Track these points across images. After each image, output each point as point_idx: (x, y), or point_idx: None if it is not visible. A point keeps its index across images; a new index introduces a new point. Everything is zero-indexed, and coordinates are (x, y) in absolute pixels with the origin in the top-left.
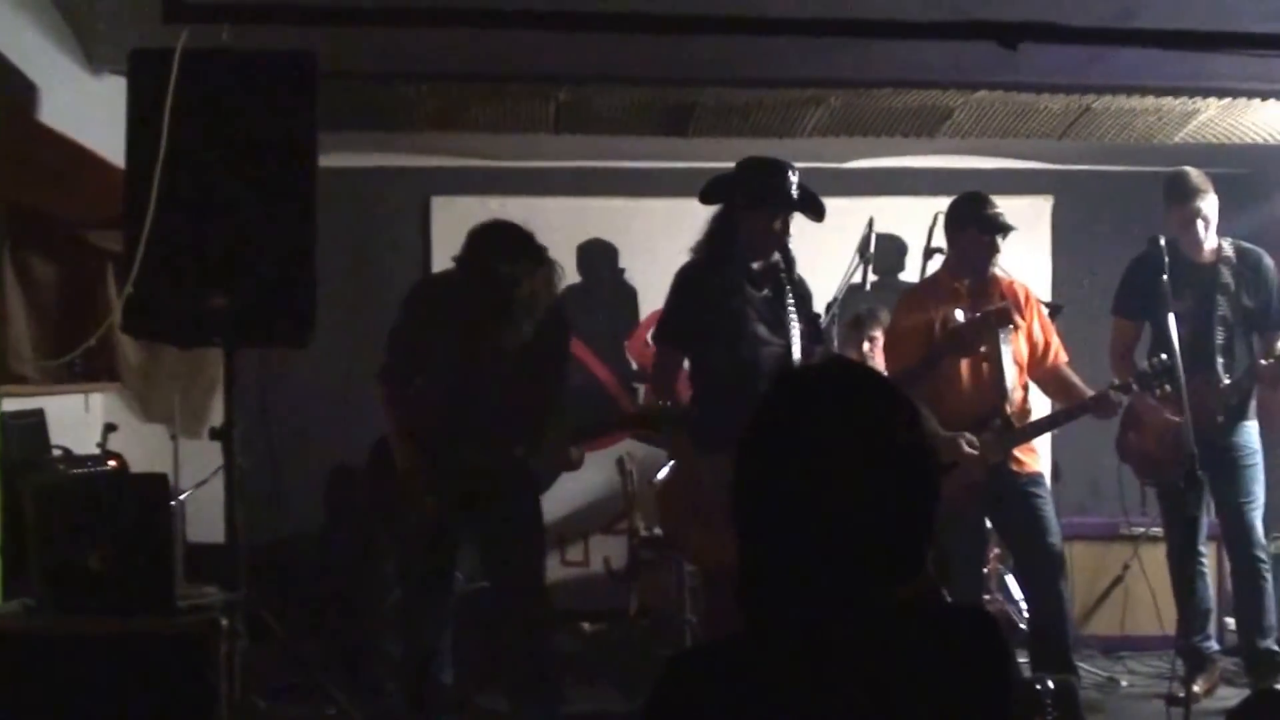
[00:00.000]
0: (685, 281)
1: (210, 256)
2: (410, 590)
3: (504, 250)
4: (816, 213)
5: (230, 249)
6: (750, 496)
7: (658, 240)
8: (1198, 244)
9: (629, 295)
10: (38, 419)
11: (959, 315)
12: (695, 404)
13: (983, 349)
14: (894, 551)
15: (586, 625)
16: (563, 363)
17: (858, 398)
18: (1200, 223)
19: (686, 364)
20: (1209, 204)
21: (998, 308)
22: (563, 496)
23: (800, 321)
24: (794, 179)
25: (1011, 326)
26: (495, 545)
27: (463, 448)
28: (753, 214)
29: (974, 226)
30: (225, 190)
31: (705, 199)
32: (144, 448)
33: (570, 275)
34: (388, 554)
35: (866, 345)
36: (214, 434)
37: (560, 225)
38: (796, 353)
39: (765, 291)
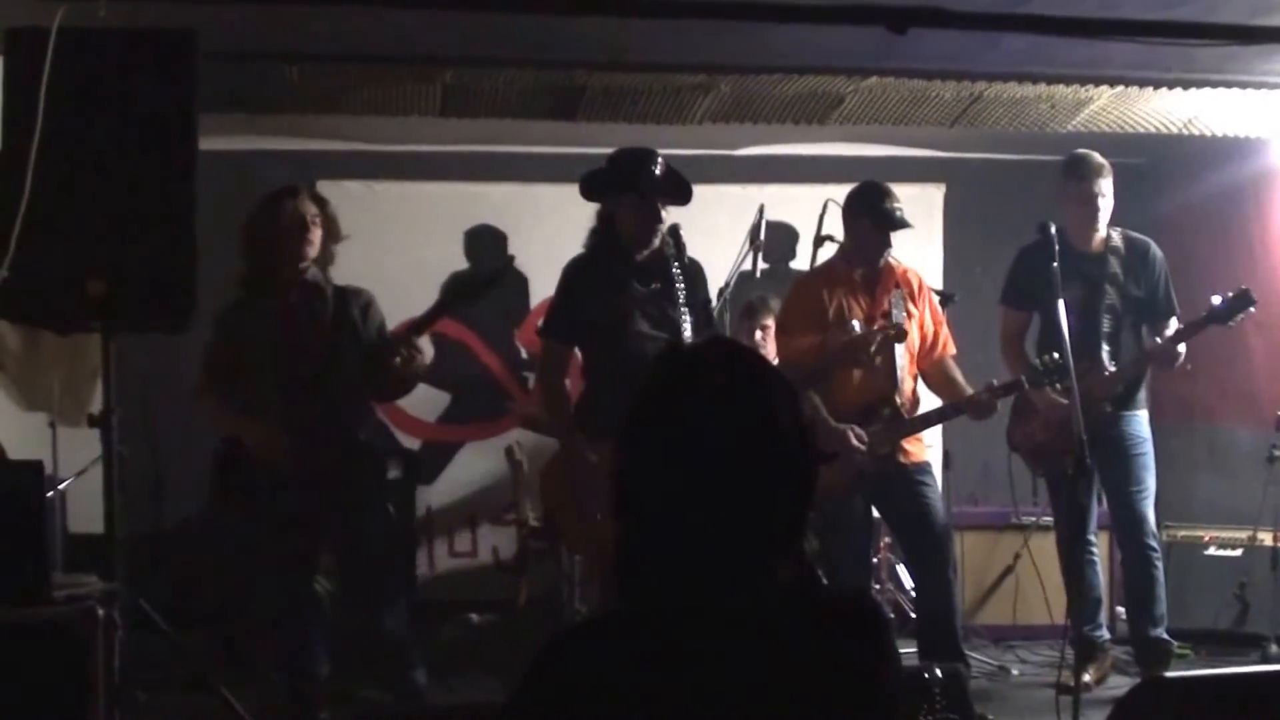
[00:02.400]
0: (570, 277)
1: (89, 240)
2: (275, 583)
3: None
4: (680, 197)
5: (109, 232)
6: (630, 474)
7: (548, 227)
8: (1090, 228)
9: (519, 282)
10: None
11: (857, 326)
12: (586, 396)
13: (878, 360)
14: (770, 533)
15: (474, 616)
16: (373, 337)
17: (737, 377)
18: (1099, 201)
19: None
20: (1108, 186)
21: (895, 326)
22: (451, 486)
23: (690, 312)
24: (658, 164)
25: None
26: (352, 526)
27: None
28: (624, 204)
29: (869, 219)
30: (104, 172)
31: (584, 195)
32: (25, 436)
33: (458, 261)
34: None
35: (759, 334)
36: (92, 421)
37: (448, 210)
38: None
39: (654, 284)
